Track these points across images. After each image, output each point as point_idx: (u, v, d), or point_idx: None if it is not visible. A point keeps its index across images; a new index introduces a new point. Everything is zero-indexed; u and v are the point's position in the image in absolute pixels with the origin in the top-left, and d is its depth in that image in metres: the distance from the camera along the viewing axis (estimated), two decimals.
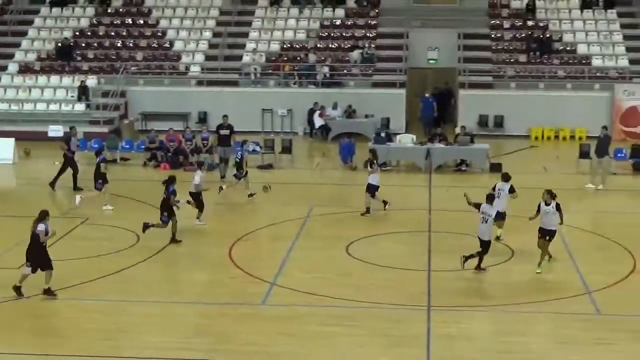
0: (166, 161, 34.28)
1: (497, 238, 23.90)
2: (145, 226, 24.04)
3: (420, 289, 20.44)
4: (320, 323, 18.42)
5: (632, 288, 20.78)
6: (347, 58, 44.03)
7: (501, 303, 19.60)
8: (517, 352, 17.10)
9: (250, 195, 28.77)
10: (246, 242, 24.19)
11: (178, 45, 45.40)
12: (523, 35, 44.62)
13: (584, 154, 34.32)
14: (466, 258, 21.63)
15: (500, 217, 22.88)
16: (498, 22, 45.82)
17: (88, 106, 41.35)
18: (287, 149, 35.47)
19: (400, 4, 47.00)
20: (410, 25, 45.39)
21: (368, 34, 45.48)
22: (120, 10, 47.82)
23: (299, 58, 44.09)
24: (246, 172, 29.01)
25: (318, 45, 44.89)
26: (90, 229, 25.52)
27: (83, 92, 41.43)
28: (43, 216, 19.55)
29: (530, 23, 45.32)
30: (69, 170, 30.48)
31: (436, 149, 33.61)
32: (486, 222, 21.54)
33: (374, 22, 46.20)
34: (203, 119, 41.57)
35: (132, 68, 43.54)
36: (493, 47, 44.32)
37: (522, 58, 43.39)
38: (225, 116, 33.23)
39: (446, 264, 22.25)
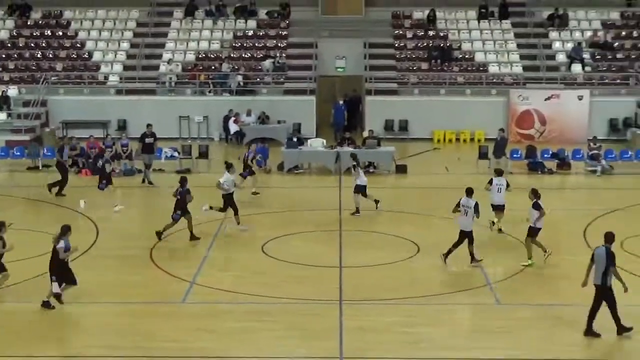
0: (87, 167, 33.89)
1: (497, 228, 24.85)
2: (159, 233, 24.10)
3: (332, 285, 20.60)
4: (239, 319, 18.45)
5: (528, 279, 21.23)
6: (260, 67, 44.06)
7: (409, 296, 19.85)
8: (425, 341, 17.34)
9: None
10: (166, 243, 24.09)
11: (97, 56, 44.93)
12: (425, 44, 45.21)
13: (482, 155, 34.94)
14: (445, 255, 22.01)
15: (499, 209, 24.50)
16: (401, 32, 46.32)
17: (9, 115, 40.63)
18: (203, 154, 35.36)
19: (309, 16, 47.21)
20: (319, 35, 45.65)
21: (279, 44, 45.58)
22: (40, 22, 47.11)
23: (213, 67, 43.98)
24: (253, 172, 29.84)
25: (232, 55, 44.84)
26: (11, 233, 25.07)
27: (4, 101, 40.72)
28: (64, 232, 18.88)
29: (431, 33, 45.93)
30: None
31: (345, 152, 33.85)
32: (466, 214, 21.88)
33: (284, 33, 46.33)
34: (122, 126, 41.18)
35: (53, 78, 42.92)
36: (397, 56, 44.80)
37: (424, 66, 43.96)
38: (149, 125, 33.08)
39: (356, 260, 22.47)
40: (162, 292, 20.10)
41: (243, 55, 44.99)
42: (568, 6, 46.99)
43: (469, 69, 43.80)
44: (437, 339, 17.48)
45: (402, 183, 30.47)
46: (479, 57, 44.40)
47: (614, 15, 47.22)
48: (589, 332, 17.60)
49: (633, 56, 44.13)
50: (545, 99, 41.24)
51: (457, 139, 41.38)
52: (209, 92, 42.91)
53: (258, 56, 44.79)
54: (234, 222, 25.28)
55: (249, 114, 40.94)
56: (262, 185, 31.45)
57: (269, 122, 40.86)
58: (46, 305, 18.82)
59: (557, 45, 45.16)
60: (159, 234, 24.09)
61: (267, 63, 43.86)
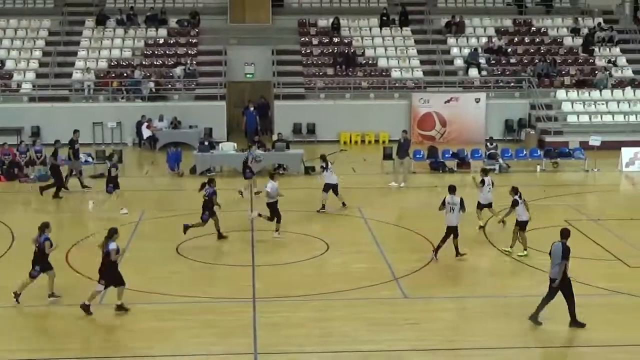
0: (1, 174, 33.10)
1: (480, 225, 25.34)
2: (185, 227, 23.80)
3: (245, 283, 20.51)
4: (157, 318, 18.25)
5: (432, 274, 21.45)
6: (171, 74, 43.63)
7: (320, 292, 19.88)
8: (336, 335, 17.40)
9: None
10: (82, 246, 23.64)
11: (9, 64, 43.91)
12: (330, 51, 45.35)
13: (387, 156, 35.20)
14: (435, 251, 22.26)
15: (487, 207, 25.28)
16: (307, 39, 46.38)
17: None
18: (118, 159, 34.79)
19: (218, 24, 46.93)
20: (228, 43, 45.42)
21: (190, 52, 45.21)
22: None
23: (125, 74, 43.39)
24: (253, 172, 29.99)
25: (143, 63, 44.30)
26: None
27: None
28: (112, 234, 18.65)
29: (336, 40, 46.09)
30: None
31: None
32: (452, 211, 22.14)
33: (194, 41, 45.98)
34: (36, 132, 40.30)
35: None
36: (304, 62, 44.85)
37: (330, 71, 44.10)
38: (76, 131, 32.41)
39: (269, 259, 22.41)
40: (80, 294, 19.68)
41: (154, 62, 44.49)
42: (464, 14, 47.74)
43: (373, 74, 44.08)
44: (348, 332, 17.53)
45: (311, 184, 30.48)
46: (382, 62, 44.72)
47: (507, 22, 48.10)
48: (533, 318, 17.85)
49: (525, 61, 44.99)
50: (445, 102, 41.76)
51: (363, 141, 41.59)
52: (122, 98, 42.32)
53: (169, 63, 44.35)
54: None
55: (161, 119, 40.50)
56: (177, 188, 31.16)
57: (181, 127, 40.47)
58: (85, 308, 18.40)
59: (454, 51, 45.78)
60: (185, 229, 23.89)
61: (178, 70, 43.47)
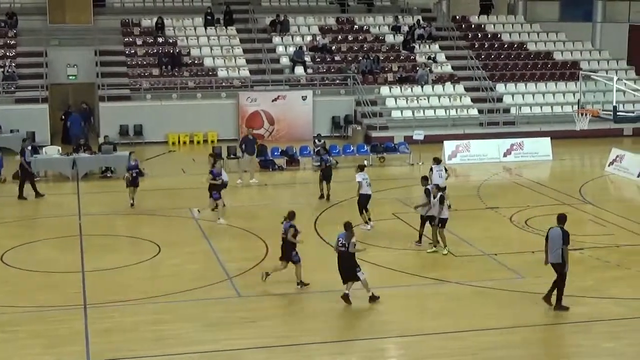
0: None
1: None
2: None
3: (75, 289, 19.94)
4: None
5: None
6: None
7: (153, 295, 19.54)
8: (171, 338, 17.15)
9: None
10: None
11: None
12: (155, 50, 44.69)
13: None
14: (418, 241, 23.34)
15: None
16: (131, 39, 45.53)
17: None
18: None
19: (37, 25, 45.38)
20: (49, 44, 44.03)
21: (8, 53, 43.53)
22: None
23: None
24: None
25: None
26: None
27: None
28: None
29: (160, 40, 45.46)
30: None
31: (82, 158, 32.88)
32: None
33: (12, 42, 44.33)
34: None
35: None
36: (128, 63, 44.01)
37: (156, 71, 43.44)
38: None
39: (99, 264, 21.85)
40: None
41: None
42: (288, 13, 48.11)
43: (199, 73, 43.74)
44: (183, 334, 17.32)
45: (140, 185, 29.87)
46: (208, 62, 44.45)
47: (330, 20, 48.76)
48: (559, 306, 18.57)
49: (349, 58, 45.73)
50: (273, 100, 41.93)
51: (192, 141, 41.20)
52: None
53: None
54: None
55: None
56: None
57: (1, 132, 38.90)
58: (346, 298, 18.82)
59: (280, 49, 46.02)
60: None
61: None
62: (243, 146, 32.81)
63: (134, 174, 28.17)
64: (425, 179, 24.03)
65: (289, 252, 19.96)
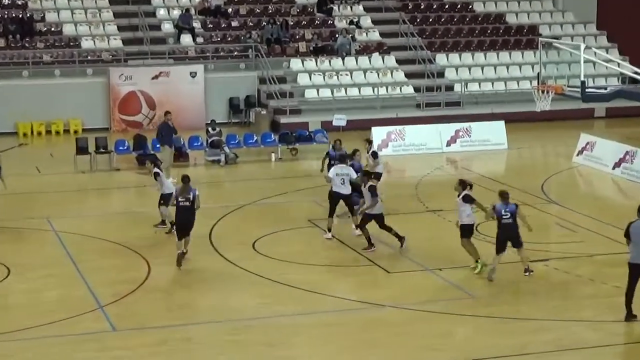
0: None
1: None
2: None
3: None
4: None
5: (148, 297, 21.18)
6: None
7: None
8: None
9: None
10: None
11: None
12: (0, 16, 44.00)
13: (81, 149, 34.40)
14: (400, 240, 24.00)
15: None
16: None
17: None
18: None
19: None
20: None
21: None
22: None
23: None
24: None
25: None
26: None
27: None
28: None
29: (6, 2, 44.69)
30: None
31: None
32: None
33: None
34: None
35: None
36: None
37: (1, 43, 42.72)
38: None
39: None
40: None
41: None
42: None
43: (57, 44, 43.20)
44: None
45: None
46: (69, 29, 43.92)
47: None
48: (629, 316, 19.18)
49: (251, 24, 45.65)
50: (153, 78, 41.73)
51: (49, 132, 40.66)
52: None
53: None
54: None
55: None
56: None
57: None
58: None
59: (161, 13, 45.76)
60: None
61: None
62: (160, 135, 32.65)
63: None
64: (366, 175, 24.20)
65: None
